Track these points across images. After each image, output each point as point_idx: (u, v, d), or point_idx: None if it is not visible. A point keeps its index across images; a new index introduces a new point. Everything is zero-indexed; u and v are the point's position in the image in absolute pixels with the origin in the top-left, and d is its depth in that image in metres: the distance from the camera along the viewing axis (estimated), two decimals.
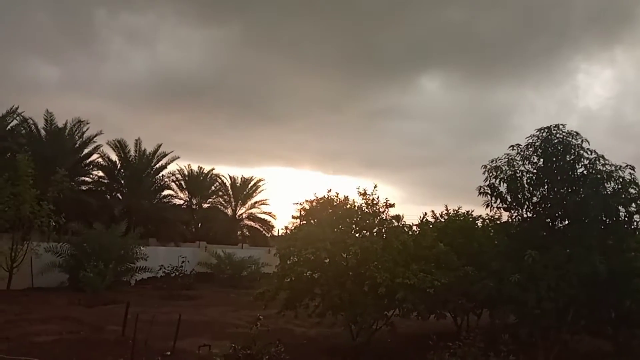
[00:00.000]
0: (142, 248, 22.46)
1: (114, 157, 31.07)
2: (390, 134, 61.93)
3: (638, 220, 10.38)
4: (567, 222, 10.81)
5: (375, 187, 12.27)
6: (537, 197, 10.96)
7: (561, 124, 10.79)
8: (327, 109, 61.31)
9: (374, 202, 12.10)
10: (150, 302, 17.94)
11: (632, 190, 10.18)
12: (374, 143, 64.66)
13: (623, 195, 10.14)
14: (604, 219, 10.40)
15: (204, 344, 10.21)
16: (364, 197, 12.23)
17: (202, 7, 52.02)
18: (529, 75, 59.95)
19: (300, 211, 12.61)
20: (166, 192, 34.77)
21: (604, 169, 10.35)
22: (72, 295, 18.19)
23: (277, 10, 49.90)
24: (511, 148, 11.06)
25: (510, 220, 11.61)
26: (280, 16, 49.89)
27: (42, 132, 27.56)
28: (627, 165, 10.33)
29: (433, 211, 14.91)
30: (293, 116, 61.22)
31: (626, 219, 10.31)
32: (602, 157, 10.46)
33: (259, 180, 39.65)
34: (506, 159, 10.99)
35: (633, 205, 10.19)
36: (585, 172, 10.53)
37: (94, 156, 30.22)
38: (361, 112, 60.22)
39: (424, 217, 14.48)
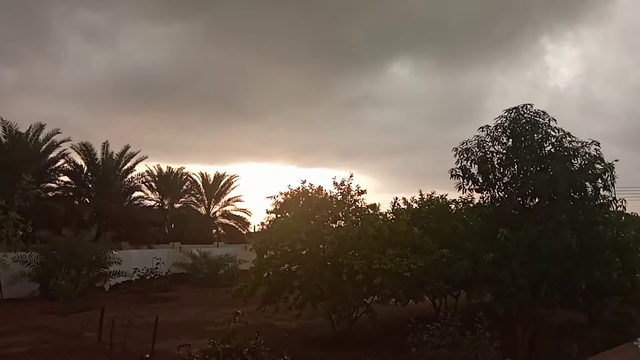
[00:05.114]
0: (114, 252, 21.97)
1: (80, 161, 30.30)
2: (365, 123, 62.17)
3: (604, 195, 10.60)
4: (537, 199, 10.98)
5: (351, 176, 12.28)
6: (508, 177, 11.08)
7: (529, 104, 10.93)
8: (300, 102, 61.14)
9: (348, 190, 12.08)
10: (126, 306, 17.54)
11: (598, 166, 10.33)
12: (348, 134, 64.94)
13: (590, 171, 10.28)
14: (573, 194, 10.59)
15: (183, 344, 10.00)
16: (339, 187, 12.21)
17: (164, 2, 51.01)
18: (497, 59, 61.02)
19: (275, 205, 12.51)
20: (136, 194, 34.12)
21: (571, 145, 10.53)
22: (45, 304, 17.69)
23: (240, 4, 49.35)
24: (481, 130, 11.15)
25: (482, 201, 11.75)
26: (245, 10, 49.40)
27: (2, 139, 26.61)
28: (592, 142, 10.50)
29: (404, 198, 15.06)
30: (266, 111, 60.90)
31: (593, 194, 10.53)
32: (569, 134, 10.64)
33: (232, 177, 39.27)
34: (476, 141, 11.07)
35: (599, 180, 10.33)
36: (552, 150, 10.67)
37: (60, 161, 29.40)
38: (334, 103, 60.25)
39: (395, 203, 14.58)
